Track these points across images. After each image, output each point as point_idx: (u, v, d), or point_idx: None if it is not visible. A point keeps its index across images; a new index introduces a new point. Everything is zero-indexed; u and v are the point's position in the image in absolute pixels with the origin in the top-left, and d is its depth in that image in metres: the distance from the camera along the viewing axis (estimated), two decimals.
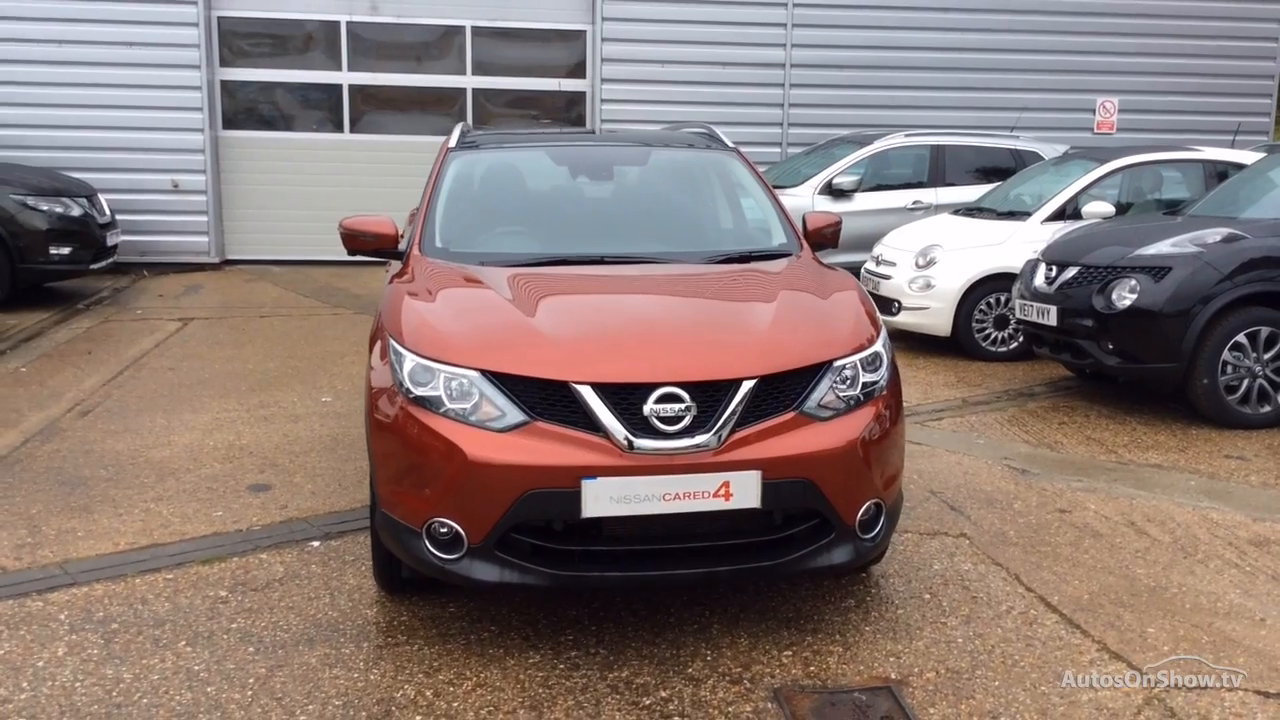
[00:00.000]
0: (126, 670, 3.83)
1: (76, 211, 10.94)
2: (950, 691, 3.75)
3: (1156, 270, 7.05)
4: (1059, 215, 9.18)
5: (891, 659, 3.98)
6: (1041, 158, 11.35)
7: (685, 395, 3.74)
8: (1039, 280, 7.84)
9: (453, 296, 4.32)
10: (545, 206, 5.42)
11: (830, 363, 3.99)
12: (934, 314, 9.23)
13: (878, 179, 11.60)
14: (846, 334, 4.16)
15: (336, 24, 13.32)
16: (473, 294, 4.35)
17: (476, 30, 13.52)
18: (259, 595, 4.47)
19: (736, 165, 5.58)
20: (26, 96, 12.58)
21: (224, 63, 13.31)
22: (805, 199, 11.12)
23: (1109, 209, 9.11)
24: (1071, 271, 7.54)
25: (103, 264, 11.43)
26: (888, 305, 9.51)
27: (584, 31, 13.56)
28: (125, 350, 9.26)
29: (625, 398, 3.73)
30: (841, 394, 3.98)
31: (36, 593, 4.47)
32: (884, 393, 4.13)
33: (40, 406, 7.35)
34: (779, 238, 5.15)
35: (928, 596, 4.51)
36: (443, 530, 3.81)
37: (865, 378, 4.07)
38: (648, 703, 3.67)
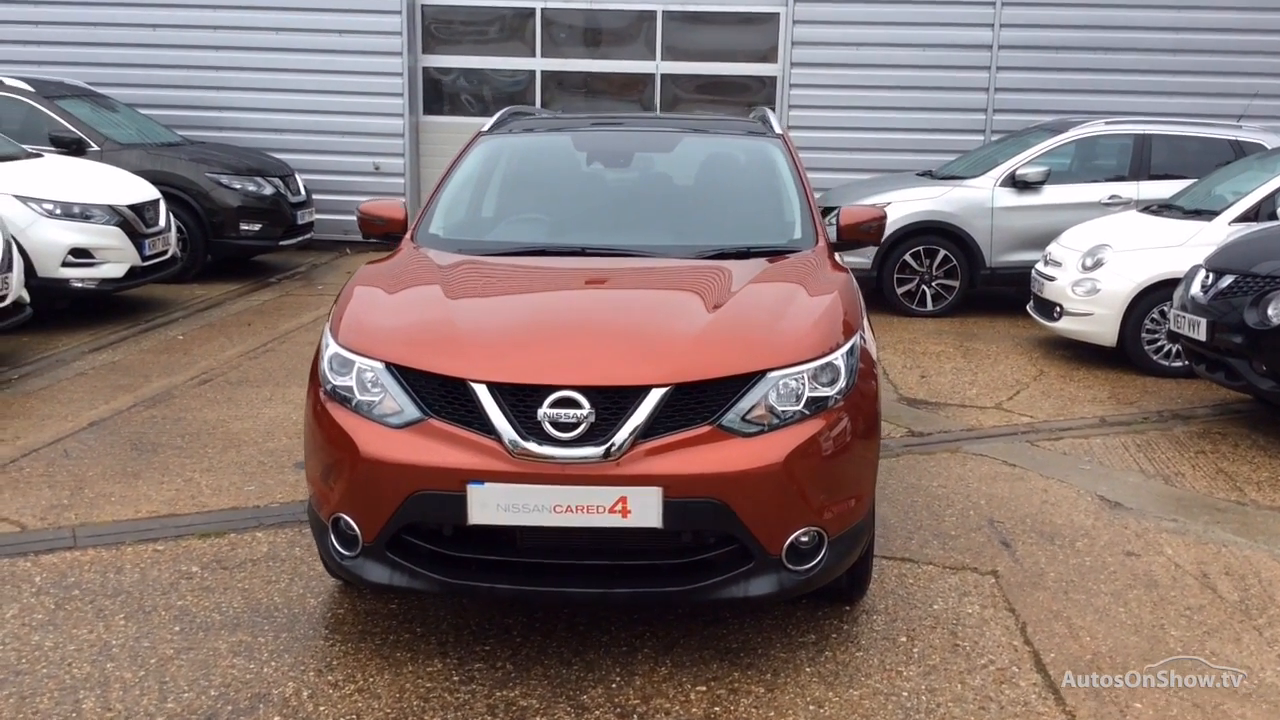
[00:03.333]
0: (52, 638, 3.93)
1: (268, 190, 11.55)
2: None
3: None
4: (1251, 216, 8.07)
5: (812, 708, 3.56)
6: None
7: (584, 400, 3.45)
8: (1195, 289, 6.92)
9: (397, 286, 4.17)
10: (552, 194, 5.20)
11: (763, 373, 3.59)
12: (1098, 321, 8.33)
13: (1072, 170, 10.62)
14: (795, 342, 3.73)
15: (532, 10, 13.47)
16: (417, 284, 4.19)
17: (668, 15, 13.34)
18: (224, 574, 4.50)
19: (775, 154, 5.16)
20: (245, 81, 13.41)
21: (425, 49, 13.73)
22: (985, 192, 10.33)
23: None
24: (1227, 280, 6.61)
25: (293, 241, 12.03)
26: (1049, 310, 8.69)
27: (777, 14, 13.11)
28: (282, 324, 9.68)
29: (523, 400, 3.49)
30: (780, 408, 3.58)
31: (34, 553, 4.67)
32: (838, 408, 3.68)
33: (169, 373, 7.77)
34: (793, 233, 4.72)
35: (904, 640, 4.02)
36: (344, 527, 3.69)
37: (812, 392, 3.65)
38: None
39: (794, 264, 4.41)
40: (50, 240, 8.77)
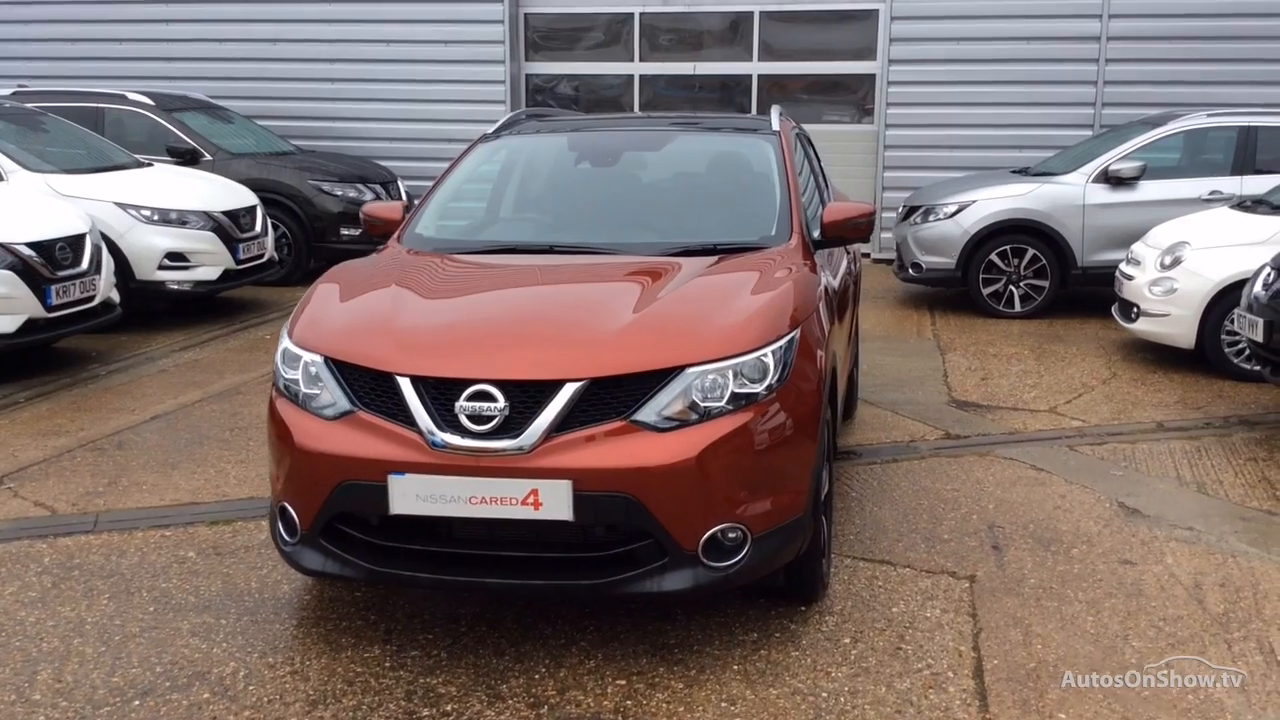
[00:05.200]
0: (36, 614, 4.21)
1: (368, 196, 11.96)
2: None
3: None
4: None
5: (724, 705, 3.54)
6: None
7: (498, 394, 3.53)
8: (1258, 287, 6.56)
9: (356, 284, 4.32)
10: (537, 194, 5.30)
11: (681, 369, 3.60)
12: (1174, 322, 7.94)
13: (1172, 165, 10.14)
14: (720, 338, 3.72)
15: (630, 15, 13.59)
16: (375, 281, 4.31)
17: (765, 15, 13.26)
18: (215, 560, 4.72)
19: (766, 151, 5.11)
20: (356, 92, 13.91)
21: (527, 57, 14.00)
22: (1076, 188, 9.95)
23: None
24: None
25: None
26: (1127, 310, 8.34)
27: (875, 11, 12.87)
28: None
29: (443, 393, 3.59)
30: (701, 404, 3.58)
31: (53, 536, 5.00)
32: (766, 403, 3.66)
33: (243, 371, 8.15)
34: (767, 230, 4.68)
35: (846, 641, 3.95)
36: (288, 515, 3.86)
37: (739, 387, 3.64)
38: (425, 714, 3.51)
39: (751, 260, 4.37)
40: (147, 244, 9.31)
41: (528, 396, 3.54)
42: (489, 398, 3.53)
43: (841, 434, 6.43)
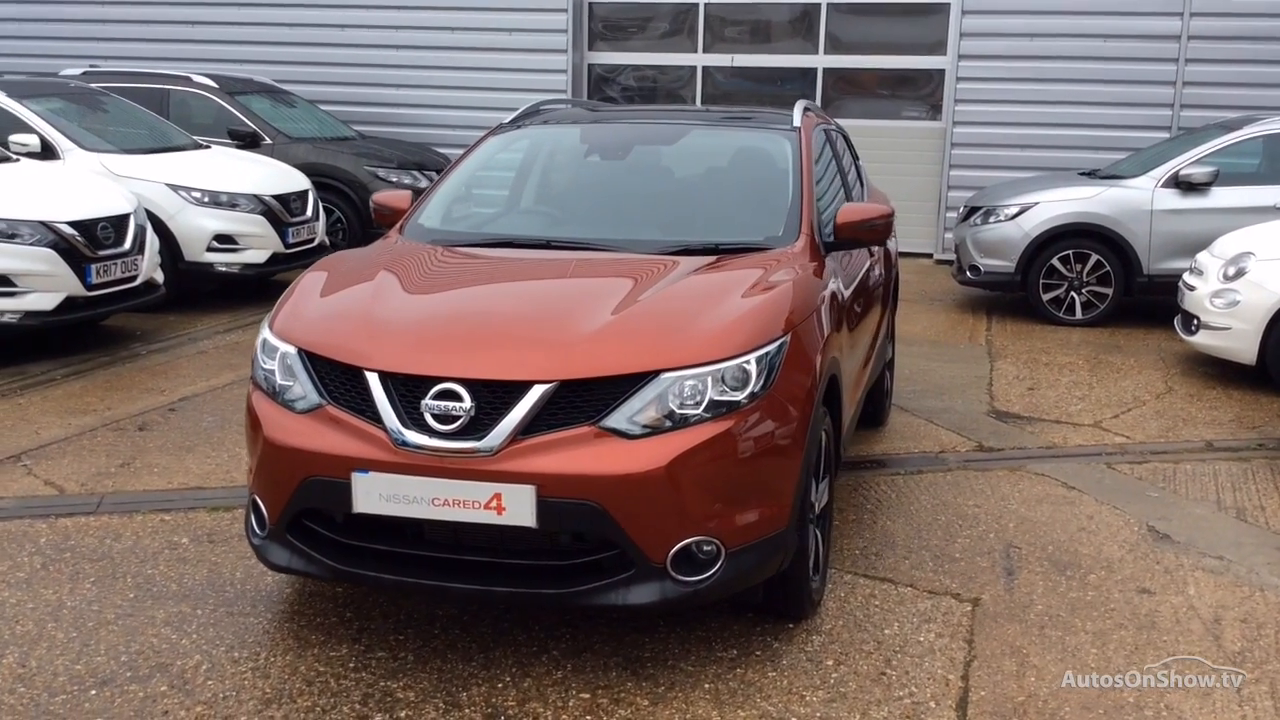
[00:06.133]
0: (17, 596, 4.20)
1: (423, 183, 11.94)
2: None
3: None
4: None
5: None
6: None
7: (464, 394, 3.42)
8: None
9: (343, 275, 4.23)
10: (541, 187, 5.18)
11: (656, 373, 3.45)
12: (1235, 336, 7.55)
13: (1247, 171, 9.69)
14: (700, 342, 3.56)
15: (695, 6, 13.39)
16: (361, 273, 4.21)
17: (833, 6, 12.97)
18: (207, 548, 4.68)
19: (783, 147, 4.91)
20: (420, 79, 13.91)
21: (590, 47, 13.88)
22: (1144, 193, 9.54)
23: None
24: None
25: None
26: (1188, 322, 7.96)
27: (946, 4, 12.49)
28: None
29: (410, 391, 3.49)
30: (677, 410, 3.43)
31: (55, 516, 5.01)
32: (746, 412, 3.50)
33: None
34: (774, 229, 4.48)
35: (829, 664, 3.77)
36: (258, 508, 3.79)
37: (718, 395, 3.48)
38: (376, 719, 3.41)
39: (750, 261, 4.19)
40: (197, 226, 9.38)
41: (495, 397, 3.42)
42: (455, 397, 3.42)
43: (869, 442, 6.25)
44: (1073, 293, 9.76)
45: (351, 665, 3.72)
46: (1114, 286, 9.65)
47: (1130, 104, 11.98)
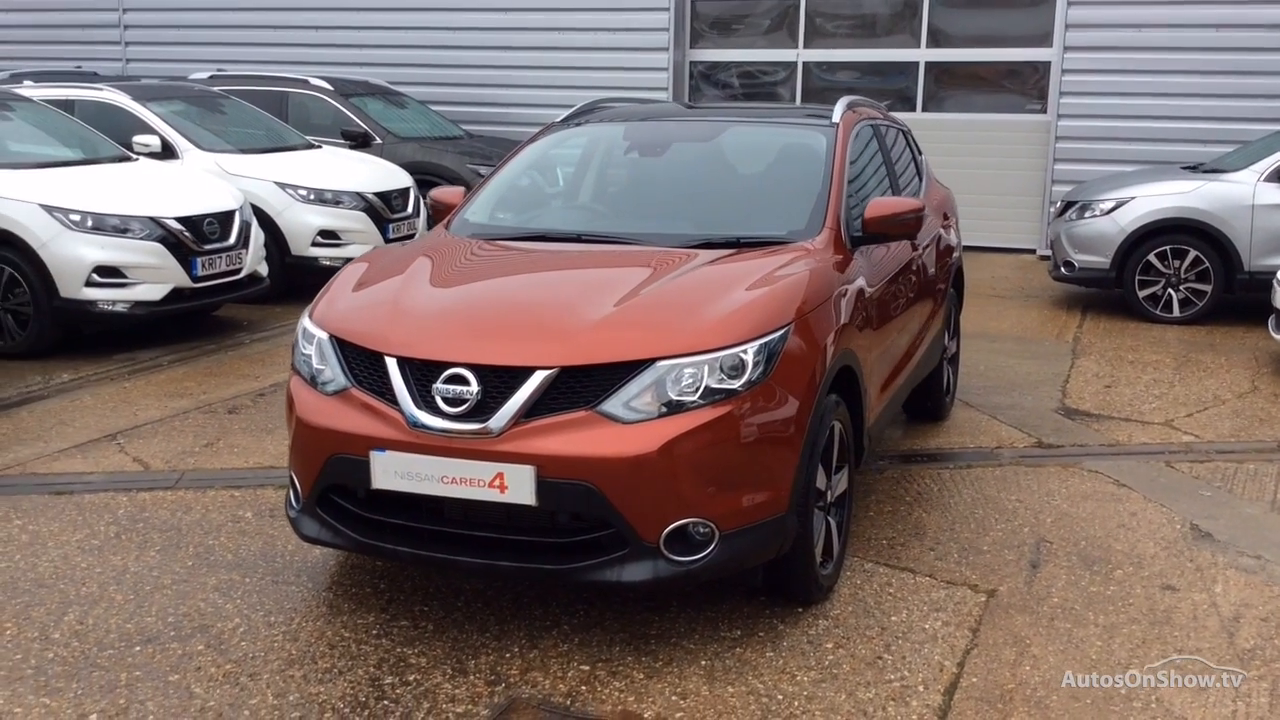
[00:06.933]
0: (88, 560, 4.58)
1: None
2: None
3: None
4: None
5: (674, 699, 3.54)
6: None
7: (472, 378, 3.64)
8: None
9: (382, 267, 4.49)
10: (582, 183, 5.35)
11: (652, 361, 3.61)
12: None
13: None
14: (699, 332, 3.71)
15: (796, 2, 13.41)
16: (398, 265, 4.46)
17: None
18: (267, 521, 5.01)
19: (818, 143, 4.99)
20: (526, 79, 14.26)
21: (692, 44, 14.02)
22: (1245, 187, 9.24)
23: None
24: None
25: None
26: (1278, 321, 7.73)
27: None
28: None
29: (424, 375, 3.72)
30: (673, 397, 3.59)
31: (138, 490, 5.41)
32: (741, 399, 3.63)
33: None
34: (797, 224, 4.58)
35: (828, 646, 3.87)
36: (294, 484, 4.08)
37: (715, 382, 3.62)
38: (388, 682, 3.65)
39: (767, 253, 4.30)
40: (303, 222, 9.86)
41: (500, 381, 3.63)
42: (464, 381, 3.64)
43: (925, 436, 6.28)
44: (1170, 290, 9.51)
45: (374, 632, 3.98)
46: (1213, 283, 9.38)
47: (1241, 95, 11.57)
